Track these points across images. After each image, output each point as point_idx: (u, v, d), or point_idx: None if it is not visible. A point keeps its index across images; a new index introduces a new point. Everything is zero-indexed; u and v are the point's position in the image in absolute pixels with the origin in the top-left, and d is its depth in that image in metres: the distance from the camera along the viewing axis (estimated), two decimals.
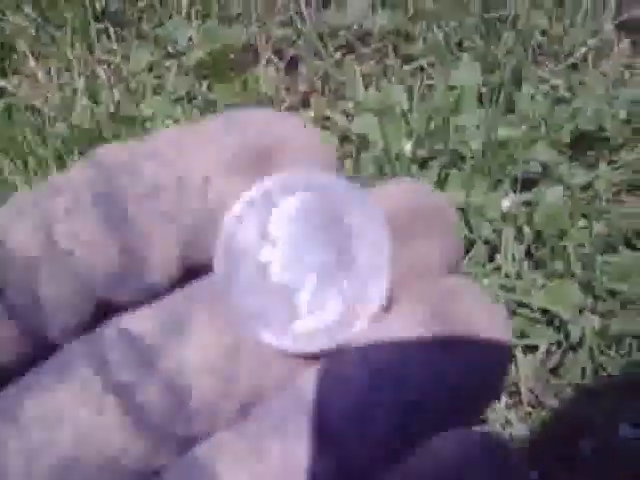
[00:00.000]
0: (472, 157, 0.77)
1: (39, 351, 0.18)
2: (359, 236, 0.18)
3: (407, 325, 0.18)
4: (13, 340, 0.18)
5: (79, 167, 0.19)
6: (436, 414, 0.17)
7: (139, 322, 0.18)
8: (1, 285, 0.17)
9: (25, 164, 0.80)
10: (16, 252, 0.17)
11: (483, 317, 0.18)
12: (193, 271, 0.18)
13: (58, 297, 0.17)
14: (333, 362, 0.18)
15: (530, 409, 0.67)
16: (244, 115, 0.19)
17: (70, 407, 0.17)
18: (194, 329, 0.17)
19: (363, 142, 0.81)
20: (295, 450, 0.17)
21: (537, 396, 0.67)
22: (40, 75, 0.95)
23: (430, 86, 0.90)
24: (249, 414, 0.18)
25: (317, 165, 0.19)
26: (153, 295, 0.18)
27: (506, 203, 0.69)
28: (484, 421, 0.67)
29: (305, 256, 0.18)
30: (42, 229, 0.17)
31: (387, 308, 0.18)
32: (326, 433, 0.17)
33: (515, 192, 0.72)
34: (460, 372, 0.17)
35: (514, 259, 0.70)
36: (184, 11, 1.03)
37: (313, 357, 0.18)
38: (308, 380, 0.17)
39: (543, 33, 0.96)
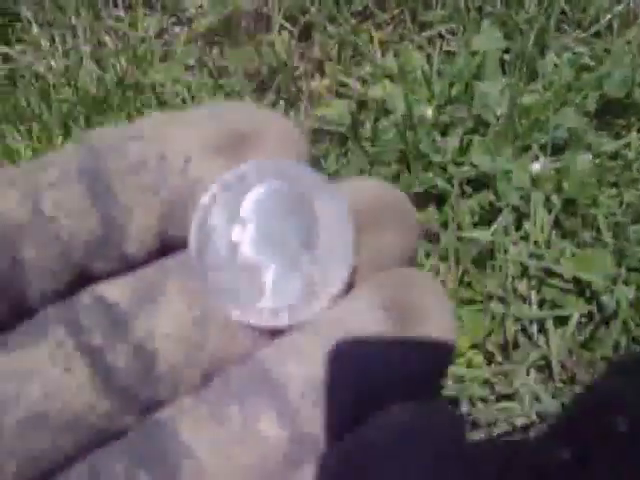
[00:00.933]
0: (497, 123, 0.74)
1: (17, 317, 0.19)
2: (325, 223, 0.20)
3: (364, 308, 0.19)
4: None
5: (70, 147, 0.20)
6: (388, 388, 0.18)
7: (113, 290, 0.19)
8: None
9: (29, 131, 0.77)
10: (3, 218, 0.18)
11: (434, 305, 0.19)
12: (170, 246, 0.20)
13: (39, 261, 0.18)
14: (292, 337, 0.19)
15: (561, 384, 0.64)
16: (226, 105, 0.22)
17: (41, 364, 0.18)
18: (166, 299, 0.19)
19: (381, 108, 0.77)
20: (253, 417, 0.18)
21: (568, 371, 0.64)
22: (43, 42, 0.92)
23: (448, 53, 0.86)
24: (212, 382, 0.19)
25: (291, 154, 0.20)
26: (130, 265, 0.19)
27: (536, 166, 0.66)
28: (512, 397, 0.64)
29: (273, 238, 0.20)
30: (30, 197, 0.18)
31: (347, 292, 0.19)
32: (282, 402, 0.18)
33: (545, 157, 0.69)
34: (411, 351, 0.19)
35: (543, 227, 0.67)
36: None
37: (276, 332, 0.19)
38: (268, 352, 0.19)
39: (567, 1, 0.93)
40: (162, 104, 0.75)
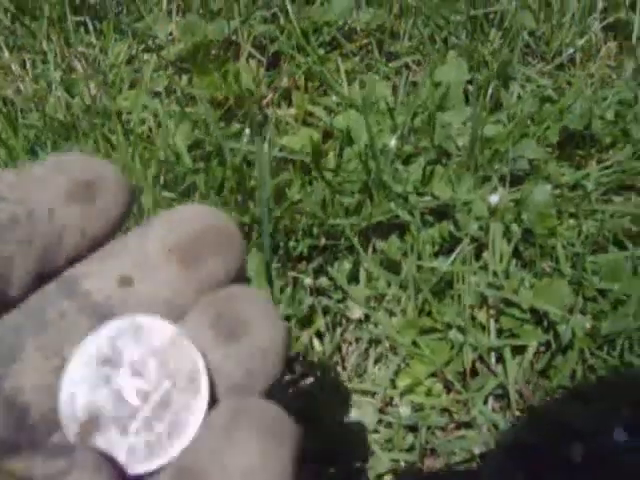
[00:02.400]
0: (458, 154, 0.75)
1: None
2: (176, 378, 0.21)
3: (194, 328, 0.22)
4: None
5: None
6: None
7: None
8: None
9: None
10: None
11: (259, 316, 0.22)
12: (44, 279, 0.22)
13: None
14: None
15: (518, 413, 0.64)
16: (67, 158, 0.24)
17: None
18: (25, 356, 0.21)
19: (346, 138, 0.78)
20: None
21: (526, 399, 0.64)
22: (14, 67, 0.92)
23: (415, 84, 0.88)
24: None
25: (125, 194, 0.24)
26: (12, 305, 0.22)
27: (494, 198, 0.67)
28: (470, 425, 0.64)
29: (129, 398, 0.21)
30: None
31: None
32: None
33: (504, 188, 0.70)
34: (242, 358, 0.21)
35: (502, 257, 0.68)
36: (164, 6, 1.01)
37: None
38: None
39: (531, 33, 0.95)
40: (128, 132, 0.75)
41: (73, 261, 0.23)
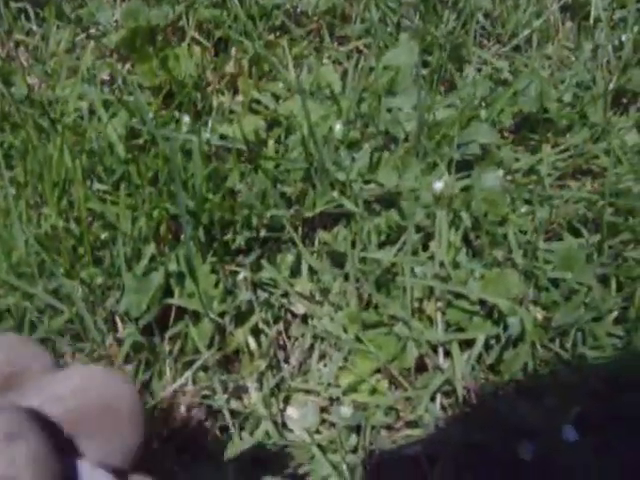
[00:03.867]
0: (406, 139, 0.72)
1: None
2: None
3: None
4: None
5: None
6: None
7: None
8: None
9: None
10: None
11: None
12: None
13: None
14: None
15: (467, 410, 0.61)
16: None
17: None
18: None
19: (292, 125, 0.75)
20: None
21: (474, 396, 0.61)
22: None
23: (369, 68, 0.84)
24: None
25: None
26: None
27: (438, 185, 0.64)
28: (417, 423, 0.61)
29: None
30: None
31: None
32: None
33: (450, 174, 0.67)
34: None
35: (450, 247, 0.65)
36: None
37: None
38: None
39: (486, 15, 0.91)
40: (57, 122, 0.71)
41: None
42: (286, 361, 0.65)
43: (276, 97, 0.81)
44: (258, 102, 0.80)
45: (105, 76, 0.86)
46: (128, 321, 0.61)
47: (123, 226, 0.61)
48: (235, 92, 0.83)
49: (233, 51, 0.85)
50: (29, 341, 0.27)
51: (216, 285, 0.62)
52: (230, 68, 0.83)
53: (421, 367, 0.63)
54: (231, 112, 0.79)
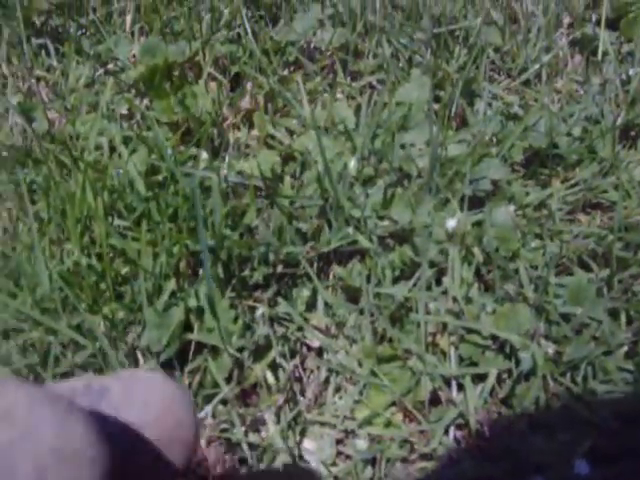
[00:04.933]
0: (419, 175, 0.74)
1: None
2: None
3: None
4: None
5: None
6: None
7: None
8: None
9: None
10: None
11: None
12: None
13: None
14: None
15: (480, 443, 0.62)
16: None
17: None
18: None
19: (307, 161, 0.77)
20: None
21: (487, 429, 0.62)
22: None
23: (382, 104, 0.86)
24: None
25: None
26: None
27: (451, 223, 0.65)
28: (431, 456, 0.62)
29: None
30: None
31: None
32: None
33: (462, 211, 0.68)
34: None
35: (462, 282, 0.66)
36: (128, 27, 0.99)
37: None
38: None
39: (496, 50, 0.93)
40: (79, 159, 0.73)
41: None
42: (302, 394, 0.67)
43: (290, 132, 0.83)
44: (273, 137, 0.82)
45: (124, 110, 0.88)
46: (149, 355, 0.62)
47: (144, 262, 0.62)
48: (251, 127, 0.85)
49: (249, 86, 0.87)
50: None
51: (235, 320, 0.63)
52: (246, 104, 0.85)
53: (435, 400, 0.64)
54: (247, 147, 0.82)
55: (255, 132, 0.84)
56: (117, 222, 0.69)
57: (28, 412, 0.28)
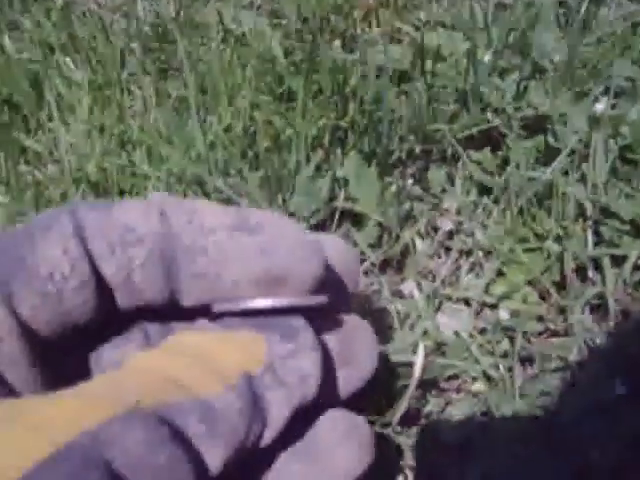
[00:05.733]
0: (554, 70, 0.74)
1: None
2: None
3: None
4: None
5: None
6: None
7: None
8: None
9: (89, 61, 0.77)
10: None
11: (366, 347, 0.33)
12: None
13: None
14: None
15: (617, 322, 0.64)
16: None
17: None
18: None
19: (437, 54, 0.77)
20: None
21: (624, 309, 0.64)
22: None
23: (500, 5, 0.86)
24: None
25: None
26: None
27: (599, 107, 0.66)
28: (567, 333, 0.64)
29: None
30: None
31: None
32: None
33: (608, 98, 0.69)
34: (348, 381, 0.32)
35: (602, 168, 0.67)
36: None
37: None
38: None
39: None
40: (224, 41, 0.75)
41: None
42: (432, 275, 0.68)
43: (416, 28, 0.83)
44: (399, 31, 0.83)
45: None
46: (298, 220, 0.64)
47: (299, 127, 0.64)
48: (376, 25, 0.86)
49: None
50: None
51: (382, 192, 0.65)
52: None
53: (571, 281, 0.65)
54: (374, 42, 0.82)
55: (381, 28, 0.84)
56: (262, 97, 0.71)
57: (280, 220, 0.29)
